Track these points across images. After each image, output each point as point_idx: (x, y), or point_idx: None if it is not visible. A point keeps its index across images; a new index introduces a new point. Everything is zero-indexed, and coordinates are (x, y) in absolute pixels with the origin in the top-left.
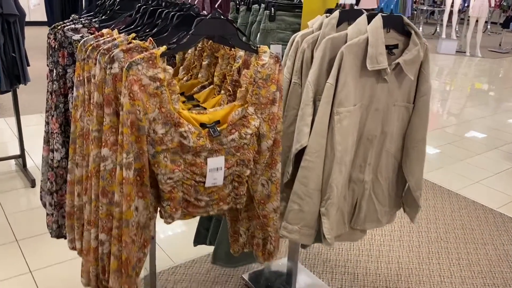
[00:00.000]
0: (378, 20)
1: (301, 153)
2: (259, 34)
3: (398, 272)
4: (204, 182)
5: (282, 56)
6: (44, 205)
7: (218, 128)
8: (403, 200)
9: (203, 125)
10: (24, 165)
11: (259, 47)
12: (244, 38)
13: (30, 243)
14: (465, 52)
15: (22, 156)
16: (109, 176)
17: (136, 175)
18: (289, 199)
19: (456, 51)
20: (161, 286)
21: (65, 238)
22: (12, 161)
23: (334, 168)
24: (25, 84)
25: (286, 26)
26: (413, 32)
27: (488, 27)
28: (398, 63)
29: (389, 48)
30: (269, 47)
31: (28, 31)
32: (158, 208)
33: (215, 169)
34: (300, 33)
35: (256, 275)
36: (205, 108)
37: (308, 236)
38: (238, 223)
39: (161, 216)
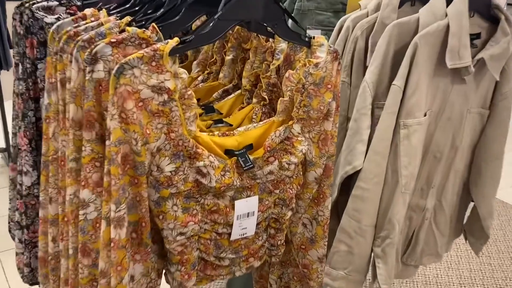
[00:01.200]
0: (463, 2)
1: (349, 177)
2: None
3: None
4: (229, 234)
5: None
6: (13, 238)
7: (251, 156)
8: (466, 228)
9: (229, 152)
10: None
11: (313, 38)
12: (290, 23)
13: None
14: None
15: (7, 150)
16: (92, 228)
17: (131, 232)
18: (335, 237)
19: None
20: None
21: (40, 287)
22: None
23: (397, 198)
24: (7, 70)
25: (327, 5)
26: (502, 17)
27: None
28: (482, 59)
29: (470, 39)
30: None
31: (10, 6)
32: (163, 271)
33: (245, 215)
34: (351, 16)
35: None
36: (231, 125)
37: (357, 283)
38: (265, 266)
39: (167, 282)
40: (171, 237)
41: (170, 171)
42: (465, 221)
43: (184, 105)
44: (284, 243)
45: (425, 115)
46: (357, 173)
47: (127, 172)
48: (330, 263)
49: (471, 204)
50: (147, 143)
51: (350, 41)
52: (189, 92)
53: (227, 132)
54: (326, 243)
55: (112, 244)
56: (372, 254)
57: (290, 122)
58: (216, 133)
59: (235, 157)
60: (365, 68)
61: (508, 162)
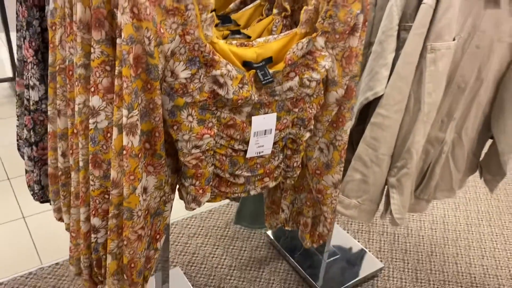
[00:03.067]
0: None
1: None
2: None
3: (444, 234)
4: (245, 151)
5: None
6: (22, 157)
7: (270, 70)
8: (482, 164)
9: (247, 65)
10: (18, 74)
11: None
12: None
13: (23, 182)
14: None
15: (14, 79)
16: (103, 138)
17: (143, 142)
18: (350, 165)
19: None
20: (173, 242)
21: (51, 204)
22: (5, 84)
23: (417, 127)
24: None
25: None
26: None
27: None
28: None
29: None
30: None
31: None
32: (177, 186)
33: (262, 133)
34: None
35: (282, 232)
36: (249, 37)
37: (369, 212)
38: (278, 192)
39: (181, 198)
40: (186, 149)
41: (185, 78)
42: (481, 158)
43: (201, 5)
44: (300, 165)
45: (454, 39)
46: (376, 100)
47: (140, 75)
48: (343, 191)
49: (489, 142)
50: (161, 44)
51: None
52: None
53: (245, 43)
54: (342, 168)
55: (124, 152)
56: (387, 185)
57: (314, 34)
58: (234, 42)
59: (254, 70)
60: None
61: None
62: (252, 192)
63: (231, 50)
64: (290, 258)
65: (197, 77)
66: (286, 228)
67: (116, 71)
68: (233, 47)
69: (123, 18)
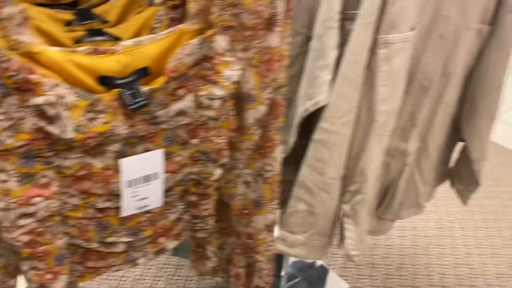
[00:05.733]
0: None
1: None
2: None
3: (413, 242)
4: (116, 208)
5: None
6: None
7: (145, 88)
8: (455, 173)
9: (106, 82)
10: None
11: None
12: None
13: None
14: None
15: None
16: None
17: None
18: (293, 193)
19: None
20: (106, 276)
21: None
22: None
23: (372, 142)
24: None
25: None
26: None
27: None
28: None
29: None
30: None
31: None
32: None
33: (142, 180)
34: None
35: None
36: (117, 38)
37: (320, 248)
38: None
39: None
40: (8, 221)
41: None
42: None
43: None
44: (212, 214)
45: (412, 30)
46: (319, 111)
47: None
48: (286, 226)
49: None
50: None
51: None
52: None
53: (102, 49)
54: (276, 206)
55: None
56: (340, 213)
57: (210, 32)
58: (82, 49)
59: (117, 90)
60: None
61: None
62: (142, 261)
63: (73, 62)
64: None
65: (3, 110)
66: (217, 278)
67: None
68: (78, 57)
69: None
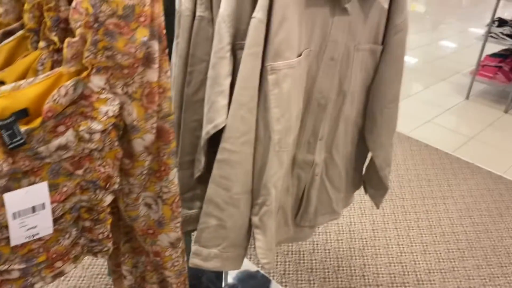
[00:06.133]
0: None
1: (217, 136)
2: None
3: (350, 244)
4: (6, 238)
5: None
6: None
7: (23, 128)
8: (365, 179)
9: None
10: None
11: None
12: None
13: None
14: None
15: None
16: None
17: None
18: (202, 210)
19: None
20: None
21: None
22: None
23: (271, 158)
24: None
25: None
26: None
27: None
28: None
29: None
30: None
31: None
32: None
33: (29, 211)
34: None
35: None
36: (1, 83)
37: (235, 259)
38: (119, 255)
39: None
40: None
41: None
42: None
43: None
44: (109, 236)
45: (300, 55)
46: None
47: None
48: (199, 241)
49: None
50: None
51: None
52: None
53: None
54: (178, 224)
55: None
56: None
57: (85, 73)
58: None
59: None
60: None
61: (424, 100)
62: (40, 285)
63: None
64: None
65: None
66: None
67: None
68: None
69: None
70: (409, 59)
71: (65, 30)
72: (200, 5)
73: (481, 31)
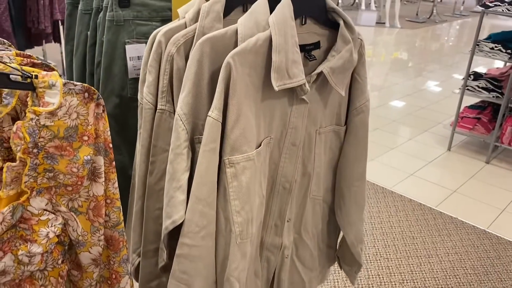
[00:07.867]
0: (285, 5)
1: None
2: (106, 28)
3: None
4: None
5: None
6: None
7: None
8: (339, 255)
9: None
10: None
11: (34, 76)
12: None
13: None
14: (384, 23)
15: None
16: None
17: None
18: None
19: (376, 23)
20: None
21: None
22: None
23: (233, 251)
24: None
25: (151, 14)
26: (341, 22)
27: None
28: (321, 73)
29: (307, 50)
30: (124, 48)
31: None
32: None
33: None
34: (163, 29)
35: None
36: None
37: None
38: None
39: None
40: None
41: None
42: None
43: None
44: None
45: (260, 145)
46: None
47: None
48: None
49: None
50: None
51: (164, 61)
52: None
53: None
54: None
55: None
56: None
57: (23, 198)
58: None
59: None
60: None
61: (407, 152)
62: None
63: None
64: None
65: None
66: None
67: None
68: None
69: None
70: (391, 111)
71: (9, 149)
72: (161, 99)
73: (462, 80)
